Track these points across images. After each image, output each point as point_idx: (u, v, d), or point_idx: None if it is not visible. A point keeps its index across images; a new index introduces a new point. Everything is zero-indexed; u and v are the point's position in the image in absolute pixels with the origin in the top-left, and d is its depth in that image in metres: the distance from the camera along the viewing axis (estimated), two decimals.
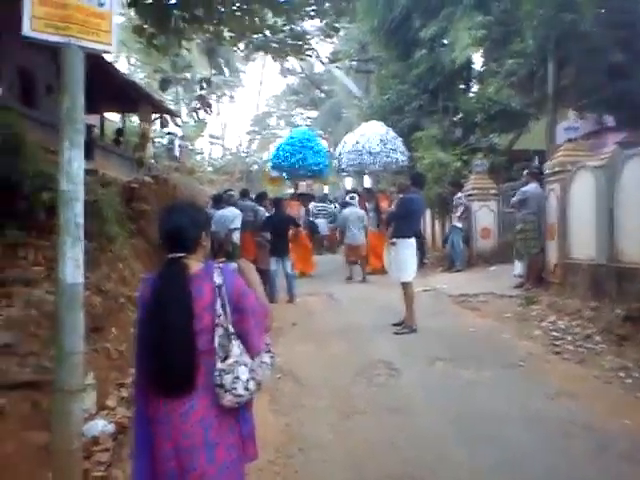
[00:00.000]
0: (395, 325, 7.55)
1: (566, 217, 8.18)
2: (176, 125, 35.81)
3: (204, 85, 19.66)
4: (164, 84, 18.82)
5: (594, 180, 7.42)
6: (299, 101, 47.35)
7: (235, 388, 2.21)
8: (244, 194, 11.04)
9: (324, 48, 41.66)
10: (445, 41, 16.01)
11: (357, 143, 14.84)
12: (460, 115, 16.71)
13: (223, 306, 2.23)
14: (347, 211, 12.28)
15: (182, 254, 2.30)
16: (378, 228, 13.03)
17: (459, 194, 12.56)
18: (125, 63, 34.72)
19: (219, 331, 2.22)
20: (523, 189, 9.24)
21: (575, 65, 13.12)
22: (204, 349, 2.21)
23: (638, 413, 4.54)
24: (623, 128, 13.84)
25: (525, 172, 9.82)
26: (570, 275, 8.01)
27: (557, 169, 8.47)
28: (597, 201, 7.30)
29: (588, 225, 7.49)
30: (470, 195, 12.56)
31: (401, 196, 7.60)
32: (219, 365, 2.21)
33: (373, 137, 14.65)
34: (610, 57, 12.15)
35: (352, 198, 14.07)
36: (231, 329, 2.25)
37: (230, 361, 2.22)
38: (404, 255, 7.41)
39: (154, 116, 17.03)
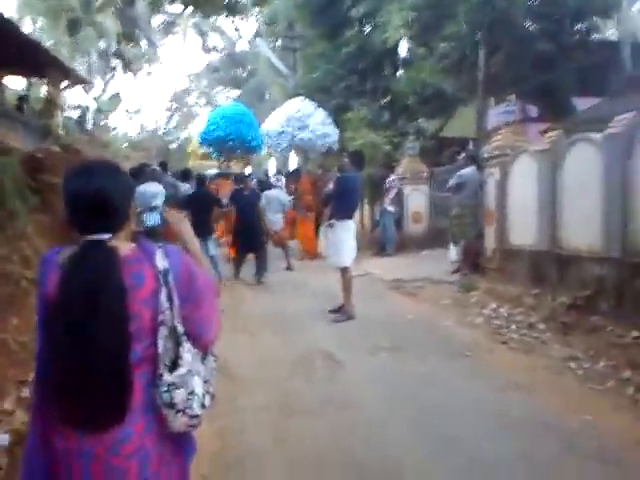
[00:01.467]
0: (332, 312, 7.09)
1: (505, 202, 7.98)
2: (91, 99, 33.86)
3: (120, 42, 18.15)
4: (73, 26, 17.02)
5: (536, 165, 7.22)
6: (220, 79, 45.88)
7: (190, 407, 1.65)
8: (163, 168, 10.16)
9: (248, 25, 40.79)
10: (376, 21, 15.64)
11: (284, 120, 14.16)
12: (389, 98, 16.45)
13: (169, 297, 1.65)
14: (269, 194, 11.17)
15: (106, 234, 1.65)
16: (295, 209, 12.52)
17: (391, 177, 12.26)
18: (31, 26, 32.28)
19: (163, 331, 1.64)
20: (460, 172, 8.98)
21: (504, 53, 13.09)
22: (141, 357, 1.62)
23: (597, 407, 4.28)
24: (545, 118, 14.01)
25: (462, 155, 9.58)
26: (509, 261, 7.83)
27: (496, 153, 8.25)
28: (539, 186, 7.11)
29: (529, 211, 7.30)
30: (402, 178, 12.29)
31: (338, 175, 7.10)
32: (167, 377, 1.63)
33: (301, 115, 14.01)
34: (537, 47, 12.19)
35: (277, 180, 13.48)
36: (180, 328, 1.67)
37: (181, 371, 1.65)
38: (342, 237, 6.94)
39: (64, 83, 15.60)
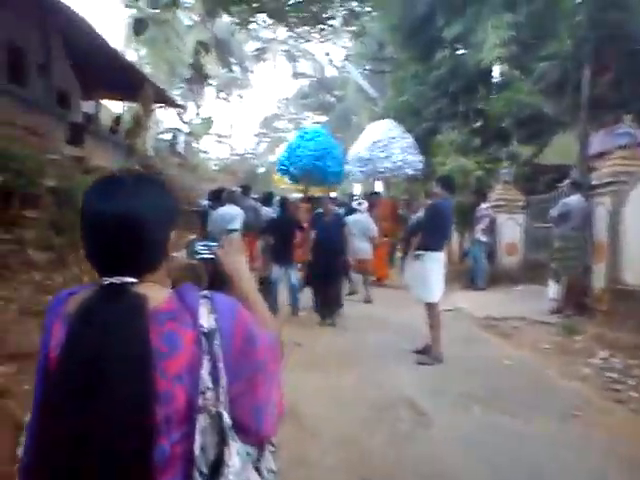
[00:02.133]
0: (417, 352, 6.40)
1: (619, 235, 7.03)
2: (182, 122, 34.92)
3: (201, 50, 18.29)
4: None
5: None
6: (309, 105, 46.30)
7: None
8: (245, 191, 9.78)
9: (337, 51, 40.99)
10: (469, 42, 14.93)
11: (368, 145, 13.62)
12: (480, 121, 15.63)
13: (214, 374, 1.15)
14: (351, 219, 10.27)
15: (132, 277, 1.17)
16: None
17: (483, 205, 11.41)
18: (135, 55, 33.75)
19: (203, 421, 1.13)
20: (565, 201, 8.04)
21: (614, 72, 12.03)
22: (169, 456, 1.09)
23: None
24: None
25: (566, 182, 8.64)
26: (623, 303, 6.85)
27: (608, 180, 7.32)
28: None
29: None
30: (495, 206, 11.42)
31: (430, 202, 6.45)
32: None
33: (384, 138, 13.41)
34: None
35: (359, 204, 12.93)
36: (227, 418, 1.15)
37: None
38: (431, 271, 6.25)
39: (156, 105, 15.93)
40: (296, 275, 8.84)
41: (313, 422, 4.46)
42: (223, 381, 1.15)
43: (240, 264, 1.53)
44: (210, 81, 39.20)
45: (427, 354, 6.26)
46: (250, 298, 1.45)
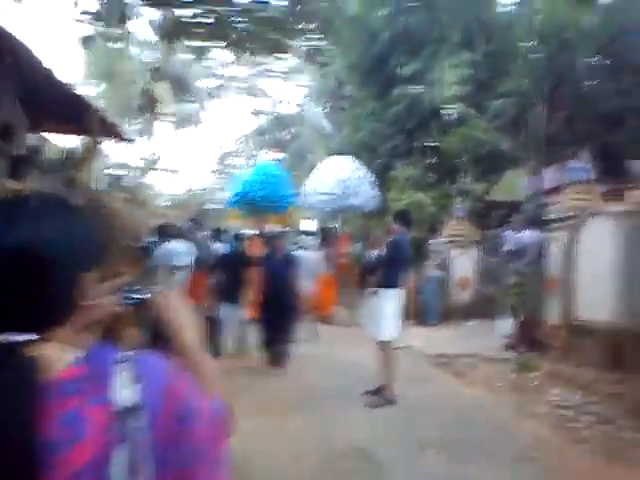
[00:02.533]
0: (368, 394, 6.10)
1: (574, 270, 6.96)
2: (132, 157, 34.32)
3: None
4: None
5: (616, 228, 6.25)
6: (265, 142, 46.36)
7: None
8: (196, 224, 9.34)
9: (297, 90, 41.38)
10: (426, 80, 15.16)
11: (321, 180, 13.45)
12: (435, 158, 15.78)
13: (133, 469, 0.85)
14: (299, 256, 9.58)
15: (29, 335, 0.87)
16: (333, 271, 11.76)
17: (437, 239, 11.35)
18: (93, 91, 33.22)
19: None
20: (519, 236, 7.98)
21: (567, 110, 12.30)
22: None
23: None
24: (606, 180, 13.02)
25: (518, 217, 8.61)
26: (577, 339, 6.73)
27: (564, 214, 7.29)
28: (619, 252, 6.11)
29: (605, 280, 6.27)
30: (449, 242, 11.37)
31: (390, 239, 6.25)
32: None
33: (341, 174, 13.27)
34: (606, 105, 11.40)
35: (309, 240, 12.75)
36: None
37: None
38: (386, 308, 6.02)
39: (104, 139, 15.45)
40: (245, 314, 8.49)
41: (261, 475, 4.10)
42: (147, 476, 0.85)
43: (181, 312, 1.21)
44: (165, 116, 38.93)
45: (379, 395, 5.97)
46: (192, 357, 1.14)
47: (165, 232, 8.43)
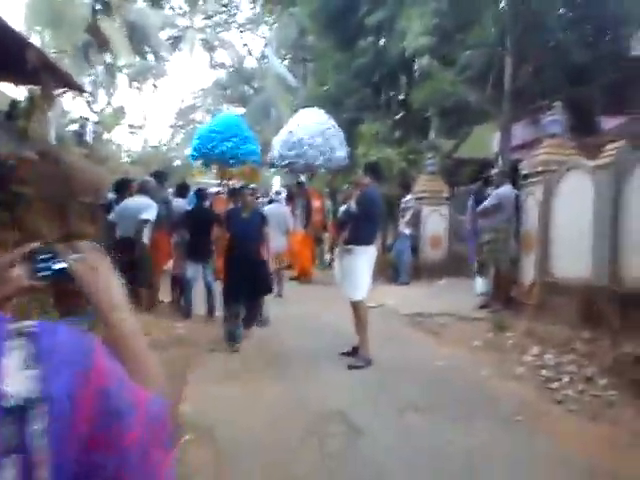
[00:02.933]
0: (345, 355, 5.90)
1: (549, 226, 6.82)
2: (92, 111, 33.04)
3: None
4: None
5: (592, 182, 6.08)
6: (227, 96, 45.09)
7: None
8: (159, 180, 8.67)
9: (257, 42, 40.20)
10: (392, 30, 14.66)
11: (292, 134, 12.77)
12: (403, 112, 15.45)
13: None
14: (267, 210, 9.15)
15: None
16: (306, 229, 11.46)
17: (408, 196, 11.11)
18: (38, 39, 31.54)
19: None
20: (497, 191, 7.75)
21: (534, 63, 12.04)
22: None
23: None
24: (578, 135, 12.93)
25: (493, 172, 8.39)
26: (553, 297, 6.62)
27: (539, 169, 7.10)
28: (596, 208, 5.95)
29: (581, 236, 6.13)
30: (420, 198, 11.15)
31: (359, 192, 5.93)
32: None
33: (312, 128, 12.65)
34: (571, 58, 11.16)
35: (278, 194, 12.40)
36: None
37: None
38: (360, 266, 5.78)
39: (59, 90, 14.60)
40: (212, 273, 8.17)
41: (232, 445, 3.86)
42: None
43: (109, 284, 0.97)
44: (122, 67, 37.42)
45: (355, 356, 5.78)
46: (126, 341, 0.91)
47: (125, 188, 7.98)
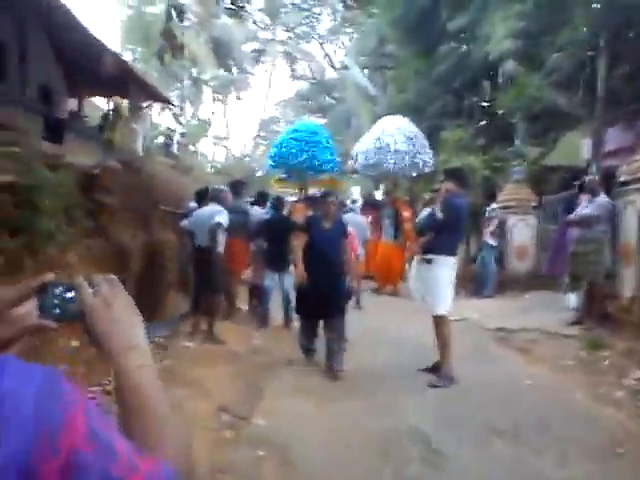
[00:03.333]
0: (425, 371, 5.62)
1: None
2: (178, 123, 34.21)
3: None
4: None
5: None
6: (308, 107, 45.59)
7: None
8: (236, 189, 8.58)
9: (337, 53, 40.43)
10: (475, 35, 14.22)
11: (378, 139, 12.47)
12: (486, 119, 14.92)
13: None
14: (350, 218, 9.08)
15: None
16: (396, 239, 11.20)
17: (492, 205, 10.63)
18: (130, 56, 33.09)
19: None
20: (598, 200, 7.15)
21: (630, 63, 11.28)
22: None
23: None
24: None
25: (587, 179, 7.80)
26: None
27: (639, 175, 6.53)
28: None
29: None
30: (505, 207, 10.65)
31: (443, 198, 5.61)
32: None
33: (398, 133, 12.35)
34: None
35: (354, 202, 12.20)
36: None
37: None
38: (441, 279, 5.48)
39: (145, 102, 15.16)
40: (291, 282, 8.07)
41: (304, 464, 3.69)
42: None
43: (125, 322, 0.79)
44: (207, 81, 38.61)
45: (437, 373, 5.48)
46: (140, 394, 0.73)
47: (202, 197, 8.00)
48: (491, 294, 10.15)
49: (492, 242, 10.34)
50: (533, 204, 10.80)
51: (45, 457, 0.49)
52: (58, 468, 0.49)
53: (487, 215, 10.47)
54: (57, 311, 0.80)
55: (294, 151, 12.75)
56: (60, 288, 0.80)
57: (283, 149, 13.07)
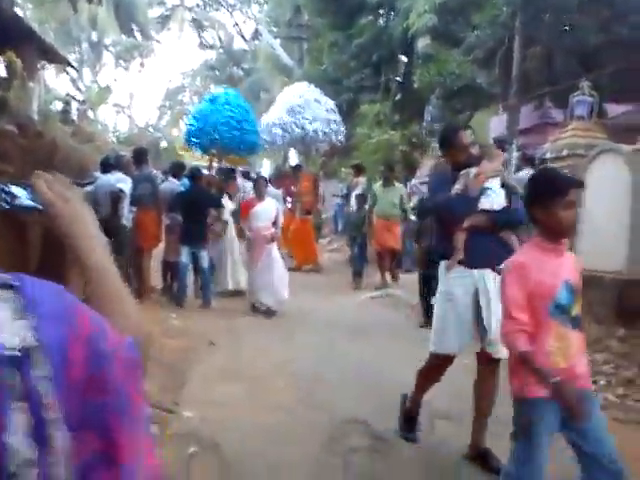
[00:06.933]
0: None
1: (579, 217, 6.30)
2: (77, 89, 32.17)
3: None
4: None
5: (629, 169, 5.57)
6: (216, 78, 44.24)
7: None
8: (139, 157, 7.85)
9: (247, 23, 39.36)
10: (395, 8, 14.08)
11: (285, 110, 11.92)
12: (404, 94, 14.88)
13: (39, 433, 0.65)
14: None
15: None
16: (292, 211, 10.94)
17: (413, 180, 10.56)
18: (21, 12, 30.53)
19: None
20: (517, 176, 7.20)
21: (544, 45, 11.53)
22: None
23: None
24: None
25: (515, 155, 7.82)
26: (583, 291, 6.11)
27: (565, 153, 6.57)
28: (634, 196, 5.46)
29: (616, 227, 5.64)
30: (424, 182, 10.60)
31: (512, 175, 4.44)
32: None
33: (303, 102, 11.77)
34: (585, 40, 10.64)
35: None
36: None
37: None
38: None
39: (42, 62, 13.90)
40: (207, 258, 7.61)
41: (239, 457, 3.33)
42: (59, 442, 0.66)
43: (87, 223, 0.88)
44: (109, 46, 36.57)
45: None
46: (103, 278, 0.86)
47: (106, 165, 7.32)
48: (410, 269, 10.12)
49: (413, 217, 10.27)
50: None
51: (71, 334, 0.69)
52: (81, 339, 0.69)
53: (410, 190, 10.38)
54: (11, 202, 0.82)
55: (223, 129, 11.26)
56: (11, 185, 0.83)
57: (209, 126, 11.48)
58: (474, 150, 3.49)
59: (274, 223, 7.35)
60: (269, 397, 4.30)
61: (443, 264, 3.45)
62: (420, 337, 4.89)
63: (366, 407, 4.07)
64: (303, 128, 11.63)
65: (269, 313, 7.06)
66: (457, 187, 3.33)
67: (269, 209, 7.39)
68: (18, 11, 23.01)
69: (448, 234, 3.43)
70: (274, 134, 12.26)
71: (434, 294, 3.72)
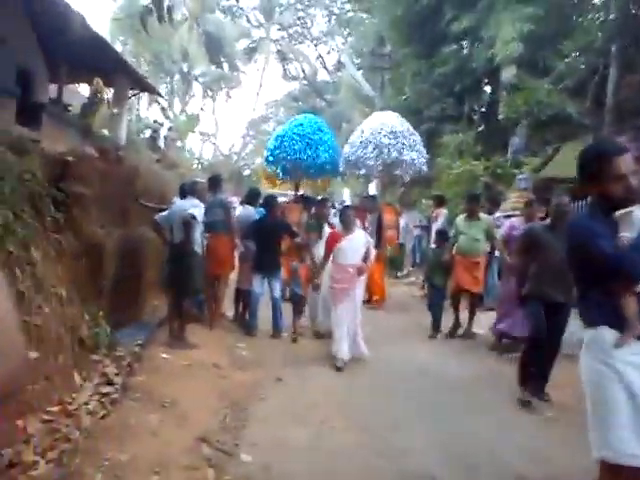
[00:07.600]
0: None
1: None
2: (166, 117, 33.48)
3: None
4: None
5: None
6: (299, 108, 45.01)
7: None
8: (213, 183, 7.82)
9: (331, 56, 39.99)
10: (480, 37, 13.69)
11: (361, 134, 11.40)
12: (487, 125, 14.42)
13: None
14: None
15: None
16: (376, 247, 10.46)
17: (497, 214, 10.04)
18: (119, 47, 32.33)
19: None
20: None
21: None
22: None
23: None
24: None
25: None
26: None
27: None
28: None
29: None
30: (510, 216, 10.06)
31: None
32: None
33: (384, 128, 11.34)
34: None
35: (343, 204, 11.59)
36: None
37: None
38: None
39: (132, 92, 14.45)
40: (280, 288, 7.44)
41: None
42: None
43: None
44: (198, 78, 38.01)
45: None
46: None
47: (183, 191, 7.32)
48: (492, 306, 9.55)
49: (495, 253, 9.73)
50: (540, 214, 10.23)
51: None
52: None
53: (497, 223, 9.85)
54: None
55: (297, 147, 11.50)
56: None
57: (285, 143, 11.80)
58: (635, 180, 2.56)
59: (364, 260, 6.43)
60: (333, 443, 3.99)
61: (607, 334, 2.55)
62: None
63: (443, 464, 3.69)
64: (400, 153, 11.06)
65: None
66: (626, 235, 2.53)
67: (359, 244, 6.45)
68: (117, 46, 24.35)
69: (607, 294, 2.59)
70: (365, 153, 11.54)
71: None
